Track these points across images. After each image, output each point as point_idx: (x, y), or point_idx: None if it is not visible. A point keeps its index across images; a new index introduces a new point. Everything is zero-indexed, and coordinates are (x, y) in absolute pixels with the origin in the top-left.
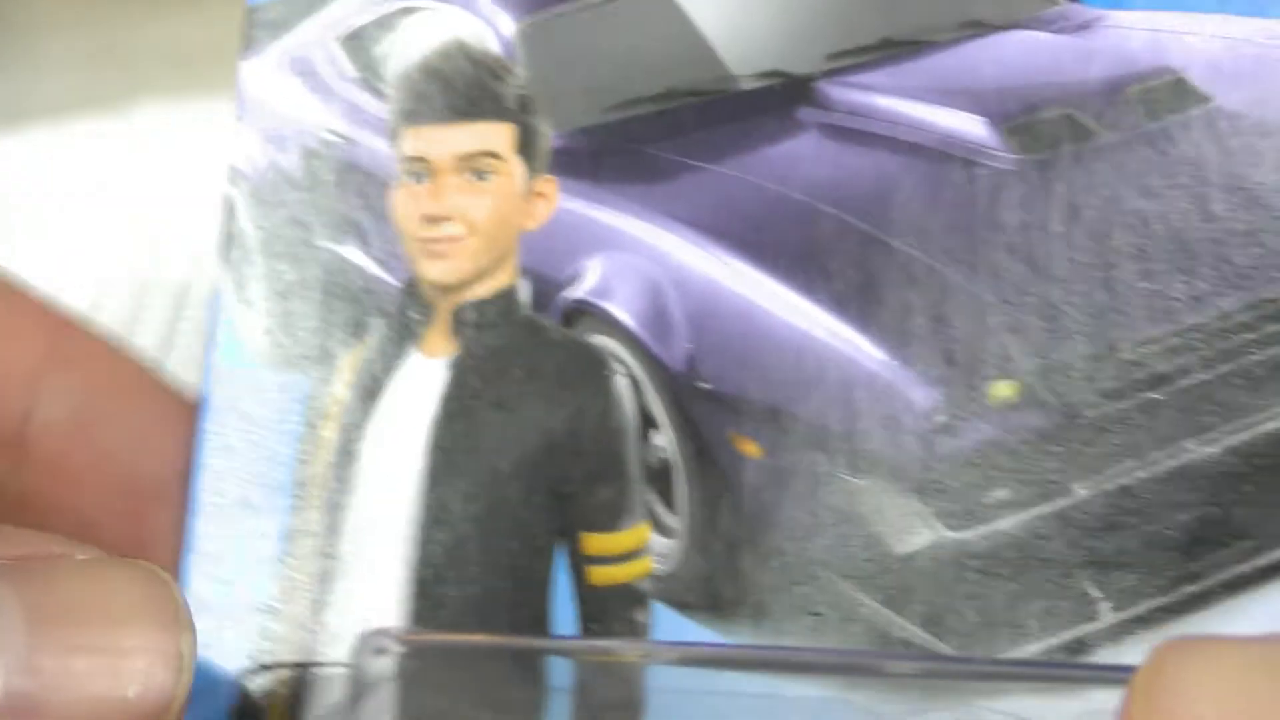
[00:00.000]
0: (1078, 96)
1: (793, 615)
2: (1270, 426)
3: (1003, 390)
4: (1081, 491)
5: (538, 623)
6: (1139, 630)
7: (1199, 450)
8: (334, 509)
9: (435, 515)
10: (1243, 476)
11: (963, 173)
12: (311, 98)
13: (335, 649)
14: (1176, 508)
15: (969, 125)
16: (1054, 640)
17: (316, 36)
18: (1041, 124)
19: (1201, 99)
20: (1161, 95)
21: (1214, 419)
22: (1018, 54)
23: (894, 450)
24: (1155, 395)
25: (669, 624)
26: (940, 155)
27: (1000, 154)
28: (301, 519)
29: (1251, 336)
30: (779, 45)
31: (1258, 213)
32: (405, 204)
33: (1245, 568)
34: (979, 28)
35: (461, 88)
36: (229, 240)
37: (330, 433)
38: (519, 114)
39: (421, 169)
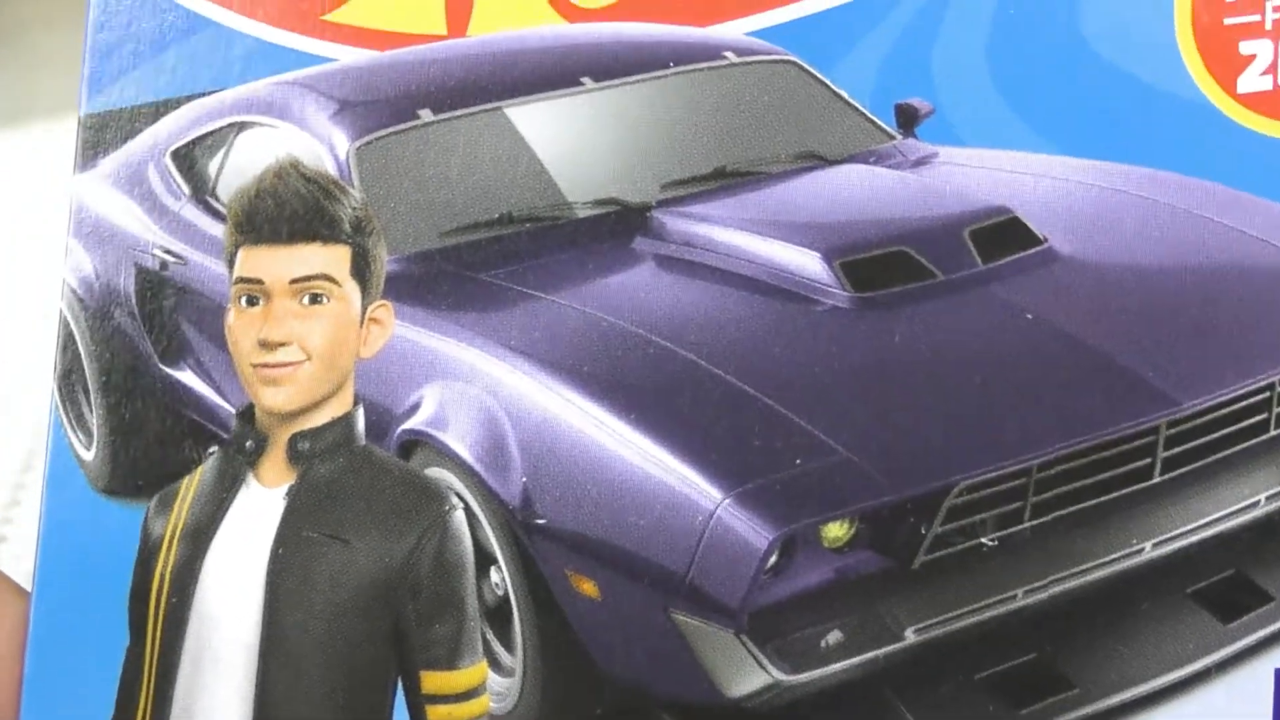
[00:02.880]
0: (913, 234)
1: None
2: (1096, 575)
3: (835, 532)
4: (912, 636)
5: None
6: None
7: (1027, 598)
8: (171, 642)
9: (273, 649)
10: (1070, 624)
11: (796, 308)
12: (145, 215)
13: None
14: (1002, 654)
15: (804, 260)
16: None
17: (150, 151)
18: (876, 261)
19: (1035, 241)
20: (996, 236)
21: (1042, 567)
22: (853, 189)
23: (729, 591)
24: (985, 541)
25: None
26: (775, 290)
27: (834, 290)
28: (137, 654)
29: (1083, 483)
30: (615, 173)
31: (1090, 360)
32: (239, 328)
33: (1068, 718)
34: (815, 160)
35: (296, 209)
36: (66, 374)
37: (168, 563)
38: (355, 237)
39: (255, 292)
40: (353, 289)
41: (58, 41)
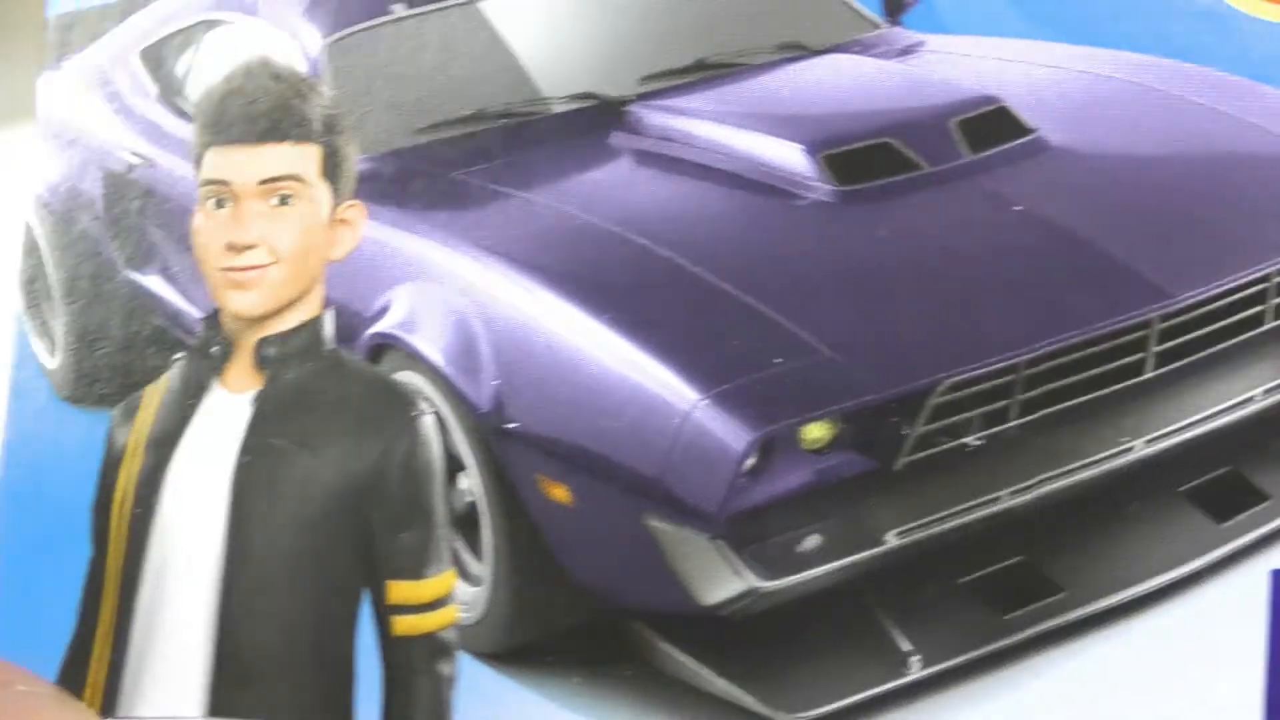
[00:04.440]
0: (899, 125)
1: (604, 669)
2: (1085, 475)
3: (815, 432)
4: (893, 540)
5: (341, 672)
6: (950, 684)
7: (1013, 500)
8: (135, 552)
9: (238, 559)
10: (1055, 527)
11: (779, 203)
12: (113, 116)
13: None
14: (986, 559)
15: (786, 154)
16: (866, 693)
17: (118, 51)
18: (860, 154)
19: (1024, 131)
20: (984, 126)
21: (1028, 467)
22: (837, 80)
23: (705, 495)
24: (969, 441)
25: (474, 674)
26: (756, 185)
27: (817, 184)
28: (100, 564)
29: (1069, 380)
30: (592, 67)
31: (1081, 253)
32: (207, 231)
33: (1054, 623)
34: (797, 51)
35: (265, 108)
36: (30, 281)
37: (132, 472)
38: (325, 136)
39: (223, 194)
40: (323, 190)
41: None
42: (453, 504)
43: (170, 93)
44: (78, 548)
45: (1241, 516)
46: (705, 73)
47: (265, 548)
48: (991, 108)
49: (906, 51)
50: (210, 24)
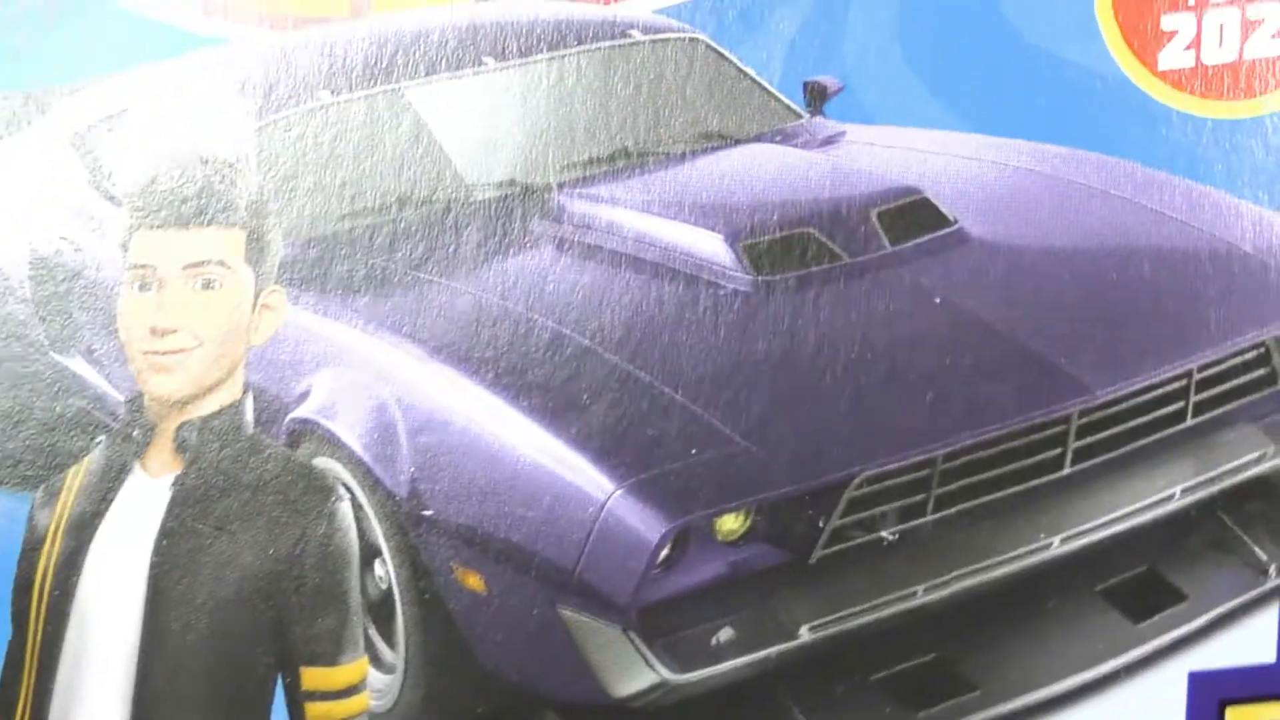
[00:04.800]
0: (818, 215)
1: None
2: (1001, 571)
3: (730, 524)
4: (807, 634)
5: None
6: None
7: (928, 595)
8: (53, 635)
9: (155, 643)
10: (971, 624)
11: (698, 293)
12: (41, 200)
13: None
14: (900, 654)
15: (706, 243)
16: None
17: (47, 136)
18: (780, 244)
19: (945, 222)
20: (904, 217)
21: (944, 562)
22: (757, 169)
23: (618, 586)
24: (885, 535)
25: None
26: (676, 274)
27: (737, 274)
28: (18, 648)
29: (990, 474)
30: (516, 155)
31: (1000, 346)
32: (131, 314)
33: None
34: (720, 140)
35: (192, 192)
36: None
37: (52, 554)
38: (250, 220)
39: (148, 277)
40: (246, 274)
41: None
42: (368, 590)
43: (99, 178)
44: None
45: (1159, 617)
46: (627, 161)
47: (182, 631)
48: (912, 198)
49: (828, 141)
50: (136, 108)
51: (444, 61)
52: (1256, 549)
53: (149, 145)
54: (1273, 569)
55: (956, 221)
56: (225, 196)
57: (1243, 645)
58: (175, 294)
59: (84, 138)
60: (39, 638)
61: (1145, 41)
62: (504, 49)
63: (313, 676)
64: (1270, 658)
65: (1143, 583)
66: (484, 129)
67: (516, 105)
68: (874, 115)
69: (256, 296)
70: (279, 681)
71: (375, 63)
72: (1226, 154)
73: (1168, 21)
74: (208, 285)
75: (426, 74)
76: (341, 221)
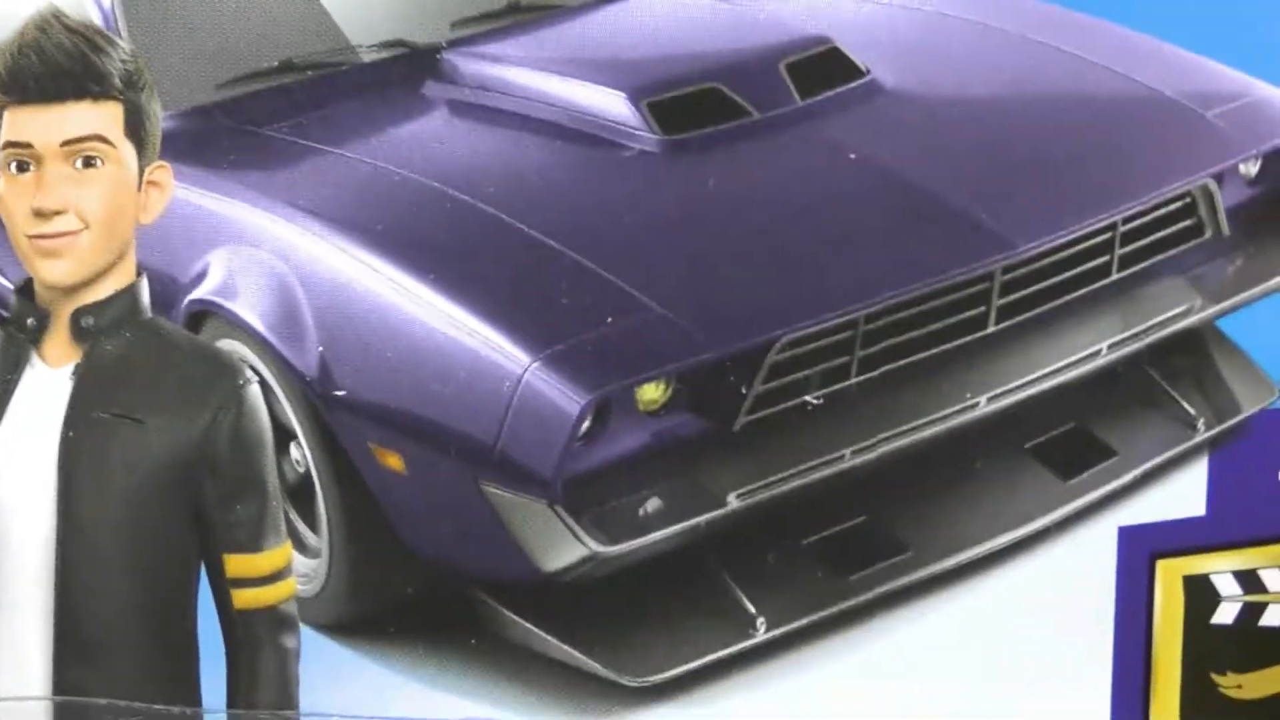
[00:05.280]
0: (726, 69)
1: (447, 638)
2: (928, 432)
3: (651, 393)
4: (735, 502)
5: (184, 647)
6: (796, 646)
7: (855, 459)
8: None
9: (70, 537)
10: (899, 486)
11: (602, 154)
12: None
13: None
14: (830, 519)
15: (608, 101)
16: (712, 656)
17: None
18: (686, 100)
19: (857, 73)
20: (815, 69)
21: (870, 425)
22: (660, 21)
23: (540, 460)
24: (809, 399)
25: (318, 647)
26: (577, 134)
27: (642, 133)
28: None
29: (913, 334)
30: (402, 13)
31: (919, 202)
32: (11, 197)
33: (900, 582)
34: None
35: (61, 63)
36: None
37: None
38: (127, 92)
39: (25, 156)
40: (128, 150)
41: None
42: (285, 474)
43: None
44: None
45: (1088, 473)
46: (520, 17)
47: (96, 523)
48: (822, 48)
49: None
50: None
51: None
52: (1184, 403)
53: (13, 15)
54: (1200, 423)
55: (869, 72)
56: (98, 67)
57: (1173, 499)
58: (55, 173)
59: None
60: None
61: None
62: None
63: (236, 563)
64: (1200, 510)
65: (1071, 439)
66: None
67: None
68: None
69: (141, 173)
70: (202, 569)
71: None
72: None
73: None
74: (89, 163)
75: None
76: (222, 90)
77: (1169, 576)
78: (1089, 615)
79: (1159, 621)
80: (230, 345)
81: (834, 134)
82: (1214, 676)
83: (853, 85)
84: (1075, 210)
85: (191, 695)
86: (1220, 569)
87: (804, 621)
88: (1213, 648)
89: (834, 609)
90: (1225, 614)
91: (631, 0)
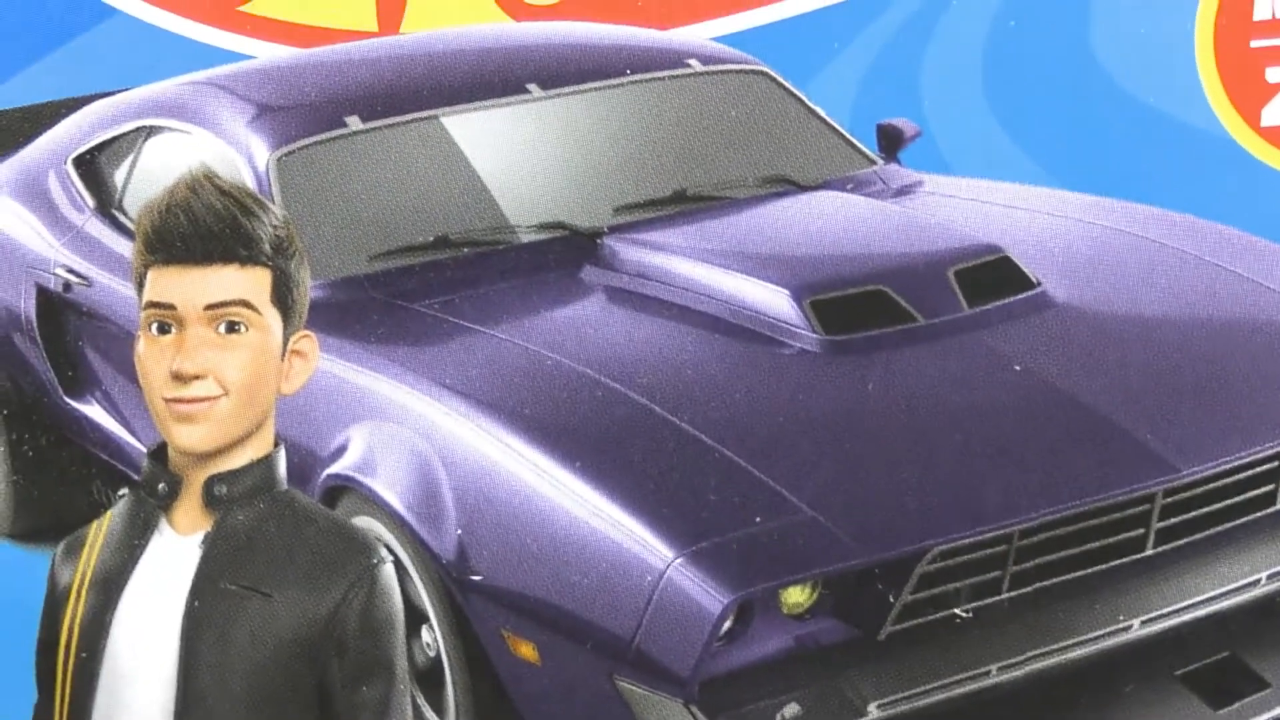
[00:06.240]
0: (893, 273)
1: None
2: (1078, 652)
3: (796, 597)
4: (876, 712)
5: None
6: None
7: (1002, 675)
8: (81, 698)
9: (189, 710)
10: (1048, 704)
11: (761, 350)
12: (45, 229)
13: None
14: None
15: (770, 298)
16: None
17: (49, 156)
18: (850, 301)
19: (1027, 284)
20: (984, 277)
21: (1019, 642)
22: (827, 220)
23: (679, 658)
24: (959, 612)
25: None
26: (736, 329)
27: (803, 332)
28: (46, 711)
29: (1068, 553)
30: (563, 194)
31: (1082, 419)
32: (150, 359)
33: None
34: (785, 186)
35: (211, 226)
36: None
37: (77, 613)
38: (275, 258)
39: (167, 318)
40: (273, 317)
41: None
42: (415, 658)
43: (108, 205)
44: (24, 692)
45: (1239, 704)
46: (685, 205)
47: (217, 696)
48: (993, 257)
49: (903, 191)
50: (150, 130)
51: (484, 88)
52: None
53: (164, 172)
54: None
55: (1039, 283)
56: (247, 231)
57: None
58: (197, 337)
59: (93, 160)
60: (67, 701)
61: (1248, 95)
62: (550, 75)
63: None
64: None
65: (1224, 668)
66: (529, 164)
67: (564, 139)
68: (953, 164)
69: (286, 341)
70: None
71: (409, 86)
72: None
73: (1273, 74)
74: (232, 329)
75: (465, 101)
76: (374, 262)
77: None
78: None
79: None
80: (366, 523)
81: (1000, 344)
82: None
83: (1022, 296)
84: (1241, 437)
85: None
86: None
87: None
88: None
89: None
90: None
91: (799, 196)
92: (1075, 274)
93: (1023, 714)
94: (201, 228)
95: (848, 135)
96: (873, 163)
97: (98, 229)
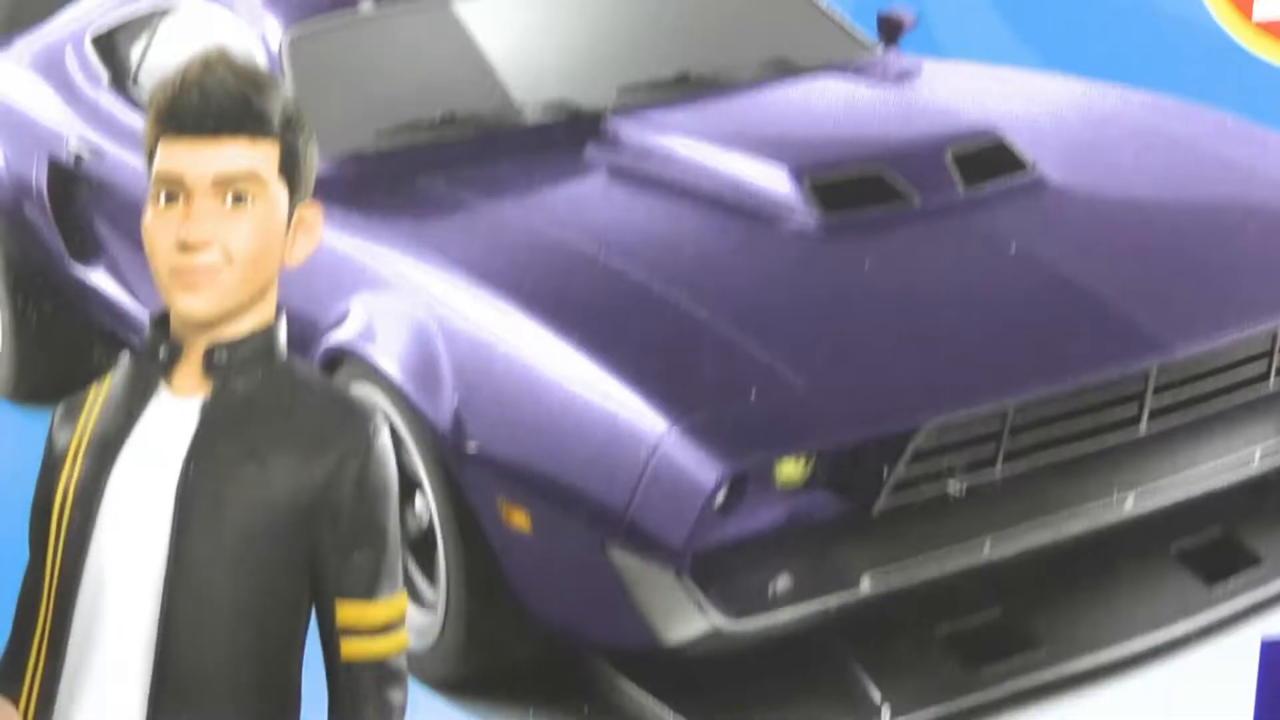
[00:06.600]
0: (891, 154)
1: (560, 704)
2: (1071, 527)
3: (790, 470)
4: (868, 584)
5: (284, 695)
6: None
7: (995, 549)
8: (73, 560)
9: (181, 573)
10: (1039, 582)
11: (759, 229)
12: (62, 102)
13: None
14: (968, 610)
15: (770, 178)
16: None
17: (70, 34)
18: (849, 182)
19: (1023, 167)
20: (980, 160)
21: (1012, 516)
22: (829, 103)
23: (672, 529)
24: (952, 487)
25: (424, 703)
26: (736, 208)
27: (801, 211)
28: (37, 573)
29: (1057, 431)
30: (568, 75)
31: (1077, 298)
32: (156, 228)
33: (1033, 680)
34: (786, 70)
35: (222, 101)
36: None
37: (73, 476)
38: (284, 133)
39: (175, 189)
40: (280, 190)
41: None
42: (407, 525)
43: (123, 81)
44: (17, 553)
45: (1233, 580)
46: (688, 87)
47: (209, 560)
48: (989, 140)
49: (902, 77)
50: (166, 11)
51: None
52: None
53: (177, 50)
54: None
55: (1035, 166)
56: (258, 106)
57: None
58: (204, 207)
59: (109, 38)
60: (59, 563)
61: None
62: None
63: (348, 611)
64: None
65: (1218, 545)
66: (536, 47)
67: (570, 22)
68: (950, 51)
69: (291, 214)
70: (312, 615)
71: None
72: None
73: None
74: (239, 200)
75: None
76: (382, 139)
77: None
78: None
79: None
80: (364, 391)
81: (995, 225)
82: None
83: (1018, 178)
84: (1235, 317)
85: None
86: None
87: (931, 713)
88: None
89: (963, 702)
90: None
91: (799, 80)
92: (1072, 157)
93: (1016, 590)
94: (213, 102)
95: (848, 23)
96: (872, 50)
97: (111, 103)
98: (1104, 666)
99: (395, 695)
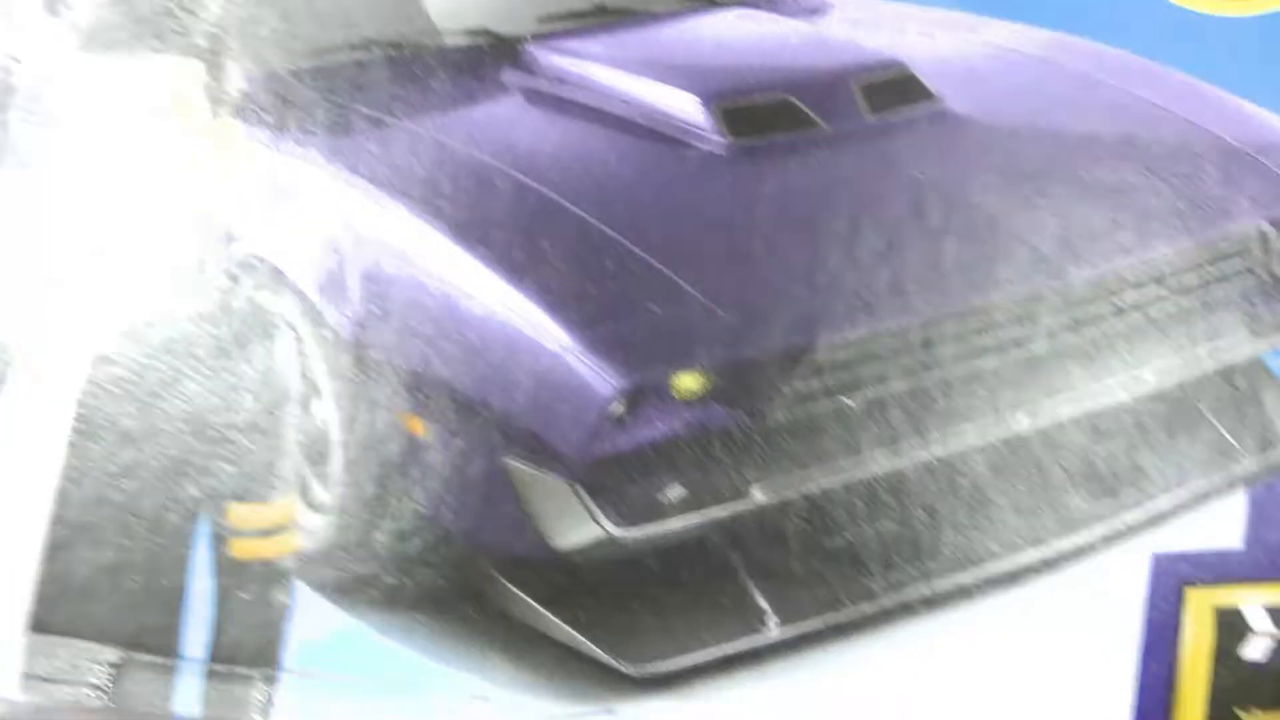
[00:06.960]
0: (799, 83)
1: (447, 607)
2: (962, 442)
3: (687, 382)
4: (760, 496)
5: (171, 592)
6: (807, 647)
7: (887, 462)
8: None
9: (78, 474)
10: (930, 496)
11: (669, 152)
12: None
13: None
14: (857, 523)
15: (681, 103)
16: (718, 651)
17: None
18: (758, 109)
19: (927, 97)
20: (886, 90)
21: (908, 431)
22: (739, 33)
23: (568, 438)
24: (848, 401)
25: (309, 603)
26: (648, 132)
27: (711, 136)
28: None
29: (952, 349)
30: (489, 3)
31: (975, 222)
32: None
33: (921, 591)
34: (702, 2)
35: (149, 18)
36: None
37: None
38: (208, 52)
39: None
40: (202, 106)
41: None
42: (304, 429)
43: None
44: None
45: (1124, 494)
46: (605, 17)
47: (104, 459)
48: (896, 72)
49: (814, 11)
50: None
51: None
52: (1227, 435)
53: None
54: (1242, 455)
55: (940, 97)
56: (184, 25)
57: (1209, 531)
58: None
59: None
60: None
61: None
62: None
63: (240, 512)
64: (1237, 544)
65: (1109, 462)
66: None
67: None
68: None
69: (211, 128)
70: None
71: None
72: (1227, 52)
73: None
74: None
75: None
76: (302, 60)
77: (1199, 606)
78: (1115, 640)
79: (1186, 651)
80: (269, 298)
81: (898, 151)
82: (1239, 712)
83: (923, 108)
84: (1131, 243)
85: (173, 643)
86: (1252, 602)
87: (818, 622)
88: (1240, 682)
89: (850, 613)
90: (1255, 649)
91: (716, 13)
92: (973, 90)
93: (906, 504)
94: (139, 20)
95: None
96: None
97: (39, 16)
98: (994, 579)
99: (280, 595)
